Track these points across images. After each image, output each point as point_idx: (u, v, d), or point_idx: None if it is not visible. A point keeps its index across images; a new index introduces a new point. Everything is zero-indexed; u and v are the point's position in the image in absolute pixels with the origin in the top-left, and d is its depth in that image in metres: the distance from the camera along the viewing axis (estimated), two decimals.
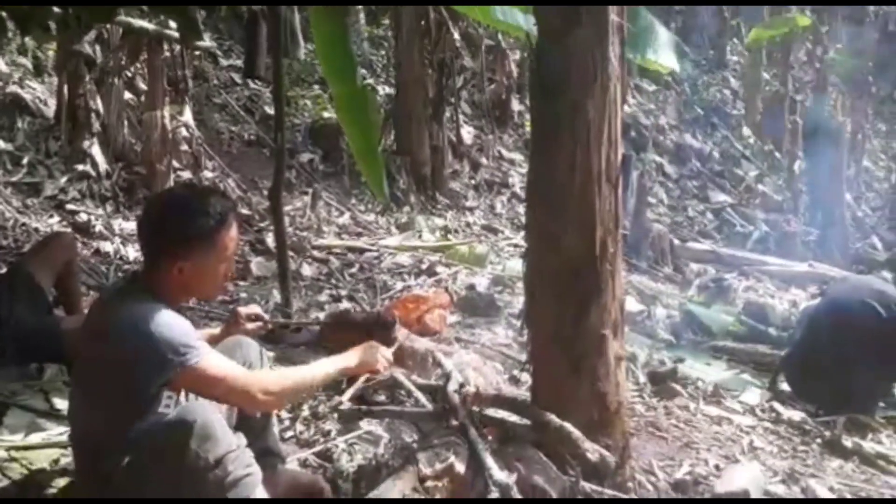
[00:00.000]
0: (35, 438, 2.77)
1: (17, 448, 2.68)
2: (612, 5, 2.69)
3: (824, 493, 3.17)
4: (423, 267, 6.11)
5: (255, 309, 2.70)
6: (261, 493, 2.05)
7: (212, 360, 2.08)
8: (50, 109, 6.01)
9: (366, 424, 3.07)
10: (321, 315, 4.56)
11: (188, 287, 2.21)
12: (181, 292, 2.23)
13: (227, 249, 2.21)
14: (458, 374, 3.42)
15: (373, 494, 2.35)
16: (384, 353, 2.42)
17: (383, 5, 8.72)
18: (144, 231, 2.24)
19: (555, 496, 2.49)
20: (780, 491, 3.19)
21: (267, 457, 2.44)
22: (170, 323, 2.05)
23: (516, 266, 6.02)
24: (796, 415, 4.21)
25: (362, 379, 3.45)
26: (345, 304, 5.05)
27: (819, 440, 3.91)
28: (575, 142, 2.65)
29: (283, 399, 2.34)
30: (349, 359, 2.35)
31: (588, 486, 2.60)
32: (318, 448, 2.93)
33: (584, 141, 2.65)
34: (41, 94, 6.23)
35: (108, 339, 2.10)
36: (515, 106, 10.47)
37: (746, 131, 14.46)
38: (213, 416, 2.02)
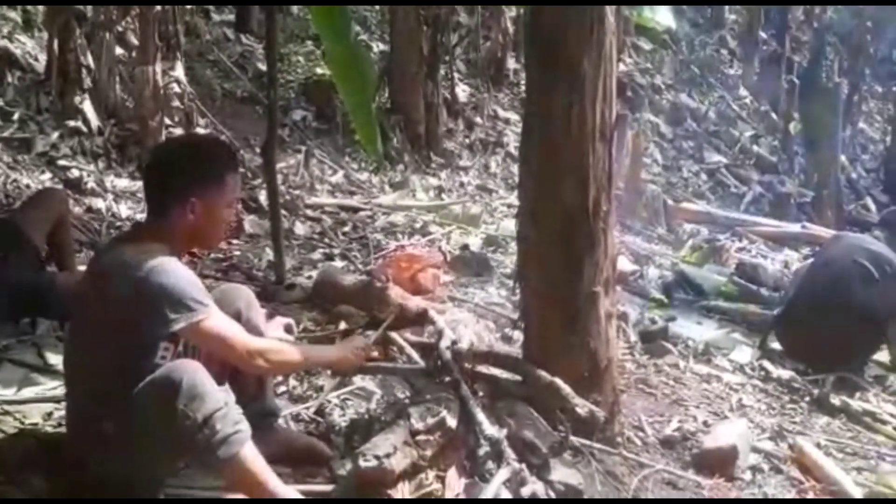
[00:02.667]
0: (28, 393, 2.78)
1: (11, 402, 2.70)
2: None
3: (811, 450, 3.21)
4: (417, 226, 6.10)
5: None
6: (250, 449, 2.06)
7: (218, 320, 2.12)
8: (40, 64, 5.93)
9: (358, 380, 3.09)
10: (314, 273, 4.56)
11: (197, 231, 2.21)
12: (188, 238, 2.25)
13: (233, 192, 2.28)
14: (450, 331, 3.45)
15: (365, 448, 2.36)
16: (367, 351, 2.58)
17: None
18: (156, 175, 2.25)
19: (545, 451, 2.53)
20: (768, 447, 3.24)
21: (264, 416, 2.46)
22: (181, 274, 2.07)
23: (510, 226, 6.01)
24: (785, 373, 4.26)
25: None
26: (338, 263, 5.06)
27: (807, 398, 3.97)
28: (569, 98, 2.64)
29: (278, 369, 2.44)
30: (334, 352, 2.56)
31: (577, 441, 2.64)
32: (311, 403, 2.95)
33: (578, 97, 2.64)
34: (31, 49, 6.14)
35: (115, 288, 2.07)
36: (511, 64, 10.35)
37: (743, 91, 14.37)
38: (199, 374, 2.02)
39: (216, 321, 2.11)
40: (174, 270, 2.06)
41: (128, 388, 2.06)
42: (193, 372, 2.02)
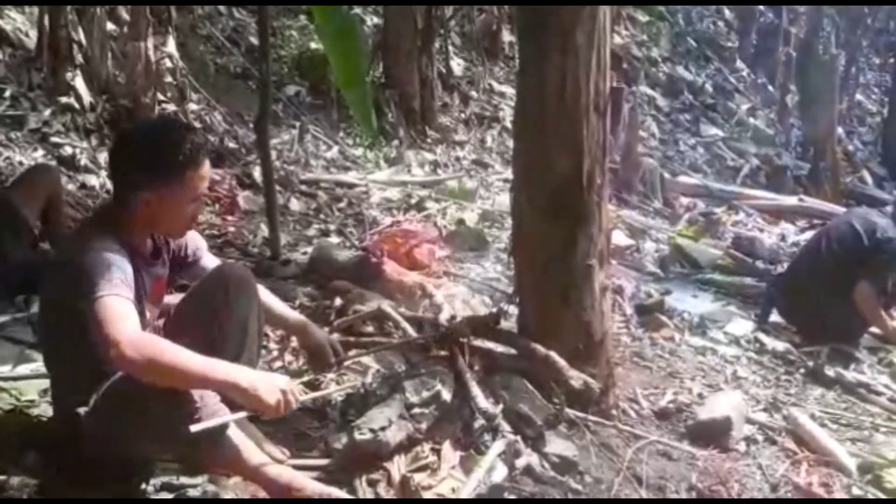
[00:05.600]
0: (24, 369, 2.77)
1: (7, 379, 2.70)
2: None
3: (806, 421, 3.23)
4: (413, 202, 6.09)
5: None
6: (233, 434, 2.06)
7: (106, 302, 1.91)
8: (31, 41, 5.87)
9: (353, 354, 3.09)
10: (309, 249, 4.55)
11: (154, 221, 2.16)
12: (145, 226, 2.18)
13: (195, 188, 2.14)
14: (448, 306, 3.46)
15: (361, 421, 2.37)
16: (287, 397, 1.98)
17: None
18: (114, 160, 2.21)
19: (540, 423, 2.54)
20: (763, 419, 3.26)
21: None
22: (95, 257, 1.99)
23: (506, 201, 5.97)
24: (780, 345, 4.27)
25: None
26: (333, 239, 5.05)
27: (802, 370, 3.98)
28: (563, 69, 2.62)
29: (146, 370, 1.89)
30: (243, 380, 1.94)
31: (572, 414, 2.65)
32: (306, 378, 2.94)
33: (572, 69, 2.62)
34: (21, 25, 6.07)
35: (57, 269, 2.15)
36: (506, 37, 10.29)
37: (740, 64, 14.31)
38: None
39: (103, 303, 1.91)
40: (90, 255, 1.99)
41: (87, 368, 2.06)
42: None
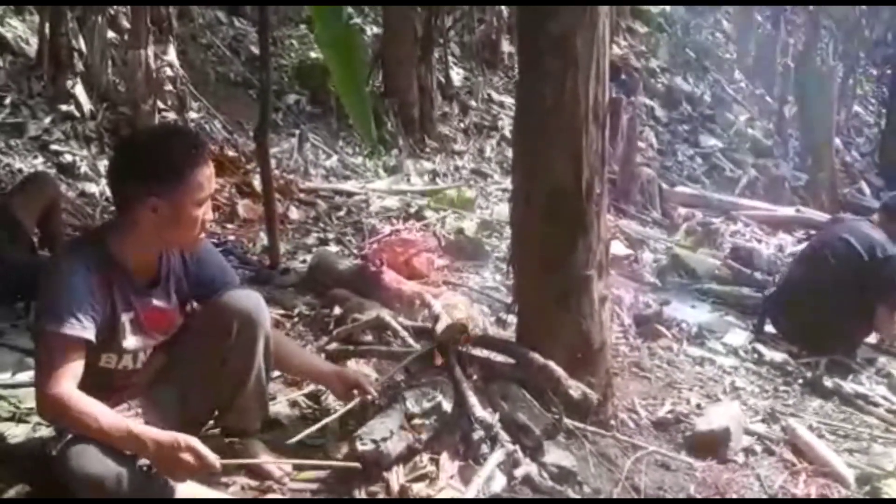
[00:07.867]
0: (23, 377, 2.77)
1: (6, 386, 2.69)
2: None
3: (804, 432, 3.23)
4: (412, 211, 6.10)
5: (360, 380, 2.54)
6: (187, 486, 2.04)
7: (49, 342, 1.92)
8: (32, 48, 5.89)
9: (353, 364, 3.09)
10: (308, 258, 4.56)
11: (162, 230, 2.05)
12: (153, 238, 2.08)
13: (201, 189, 2.05)
14: (446, 315, 3.46)
15: (362, 432, 2.37)
16: (194, 463, 1.89)
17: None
18: (115, 170, 2.11)
19: (538, 433, 2.54)
20: (761, 430, 3.26)
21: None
22: (61, 282, 1.95)
23: (504, 210, 6.02)
24: (778, 356, 4.27)
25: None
26: (332, 248, 5.05)
27: (800, 381, 3.98)
28: (562, 79, 2.63)
29: (57, 421, 2.00)
30: (150, 444, 1.88)
31: (571, 423, 2.65)
32: (307, 389, 2.94)
33: (571, 79, 2.63)
34: (22, 33, 6.10)
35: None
36: (506, 47, 10.32)
37: (738, 75, 14.36)
38: (94, 460, 1.90)
39: (49, 344, 1.91)
40: (61, 274, 1.97)
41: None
42: (88, 460, 1.90)
